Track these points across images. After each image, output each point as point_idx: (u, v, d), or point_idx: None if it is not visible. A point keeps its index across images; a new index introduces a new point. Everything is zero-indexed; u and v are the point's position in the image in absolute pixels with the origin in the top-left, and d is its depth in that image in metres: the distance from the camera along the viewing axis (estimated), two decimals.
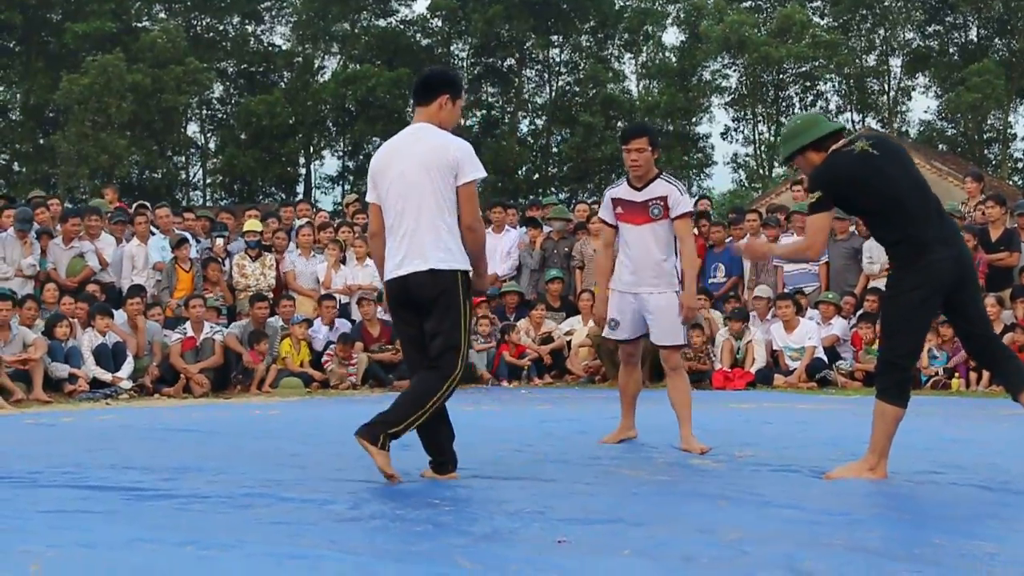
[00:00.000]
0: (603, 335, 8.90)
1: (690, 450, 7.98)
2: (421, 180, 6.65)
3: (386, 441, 6.37)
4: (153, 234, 17.38)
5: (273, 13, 57.82)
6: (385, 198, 6.82)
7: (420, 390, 6.52)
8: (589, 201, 23.48)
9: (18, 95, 53.90)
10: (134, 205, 19.31)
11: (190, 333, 15.08)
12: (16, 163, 53.89)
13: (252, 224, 17.30)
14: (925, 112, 65.72)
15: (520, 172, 52.99)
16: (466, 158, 6.68)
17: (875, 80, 54.68)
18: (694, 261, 8.28)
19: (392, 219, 6.77)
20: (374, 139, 52.76)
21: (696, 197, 29.01)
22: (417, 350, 6.77)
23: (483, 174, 6.80)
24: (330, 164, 58.61)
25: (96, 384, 13.95)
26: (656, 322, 8.18)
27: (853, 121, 53.88)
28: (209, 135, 56.47)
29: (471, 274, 6.65)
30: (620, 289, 8.32)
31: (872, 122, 52.92)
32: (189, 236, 17.08)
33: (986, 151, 52.65)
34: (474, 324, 16.64)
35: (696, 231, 17.83)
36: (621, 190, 8.24)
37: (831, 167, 6.49)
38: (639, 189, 8.09)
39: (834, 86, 54.41)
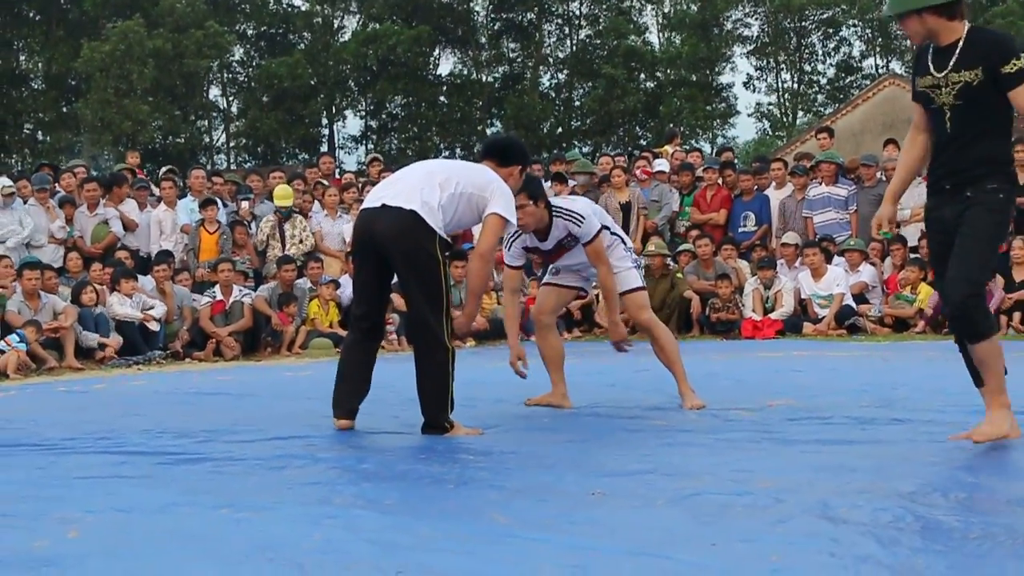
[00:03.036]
0: (545, 281, 8.38)
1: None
2: (447, 173, 6.79)
3: (450, 422, 6.60)
4: (183, 197, 17.46)
5: None
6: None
7: (433, 372, 6.60)
8: (613, 154, 23.39)
9: (40, 64, 53.93)
10: (162, 169, 19.28)
11: (219, 297, 15.11)
12: (40, 132, 53.99)
13: (282, 194, 17.09)
14: None
15: (543, 127, 52.84)
16: (502, 194, 6.73)
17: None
18: (611, 286, 7.79)
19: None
20: (396, 98, 52.67)
21: (719, 148, 28.97)
22: (369, 303, 6.93)
23: (514, 221, 6.83)
24: (353, 124, 58.68)
25: (127, 351, 13.97)
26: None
27: (877, 67, 53.57)
28: (231, 98, 56.47)
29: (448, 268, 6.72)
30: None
31: (896, 67, 52.63)
32: (218, 200, 17.05)
33: None
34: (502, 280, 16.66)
35: (721, 181, 17.93)
36: (527, 238, 7.83)
37: None
38: (544, 239, 7.75)
39: (857, 32, 54.09)
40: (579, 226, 7.58)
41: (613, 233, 7.98)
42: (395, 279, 6.87)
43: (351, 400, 6.86)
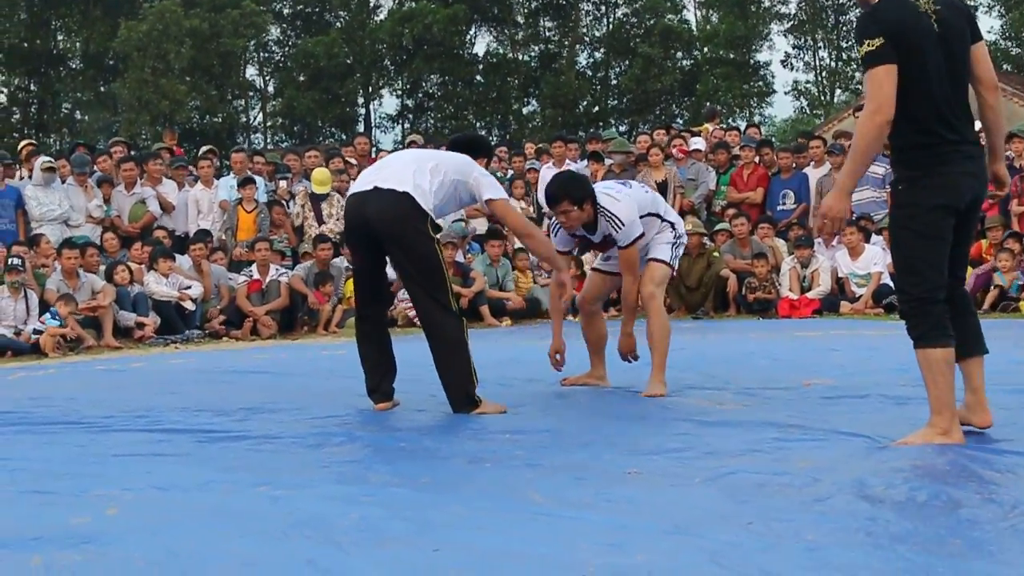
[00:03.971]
0: (594, 267, 8.31)
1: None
2: (436, 160, 6.94)
3: (476, 397, 6.67)
4: (220, 177, 17.53)
5: None
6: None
7: (451, 344, 6.67)
8: (652, 130, 23.36)
9: (77, 44, 54.12)
10: (202, 149, 19.36)
11: (256, 276, 15.16)
12: (78, 112, 54.22)
13: (320, 178, 17.07)
14: (989, 32, 64.78)
15: (580, 106, 52.71)
16: (487, 178, 7.02)
17: None
18: (633, 298, 7.77)
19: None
20: (432, 77, 52.59)
21: (747, 124, 28.89)
22: (368, 286, 7.05)
23: (505, 195, 7.11)
24: (389, 103, 58.60)
25: (164, 330, 14.05)
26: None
27: None
28: (267, 78, 56.54)
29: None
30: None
31: None
32: (257, 178, 17.07)
33: None
34: (539, 260, 16.66)
35: (758, 159, 17.87)
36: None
37: (896, 10, 5.15)
38: (593, 232, 7.67)
39: None
40: (617, 231, 7.52)
41: (664, 220, 7.83)
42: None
43: (383, 383, 6.98)
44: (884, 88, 5.04)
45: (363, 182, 6.86)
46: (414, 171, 6.72)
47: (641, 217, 7.59)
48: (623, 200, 7.57)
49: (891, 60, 5.04)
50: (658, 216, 7.80)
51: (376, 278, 7.06)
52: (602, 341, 8.12)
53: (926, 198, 5.16)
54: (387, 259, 6.90)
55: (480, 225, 17.25)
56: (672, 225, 7.87)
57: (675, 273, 8.23)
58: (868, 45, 5.05)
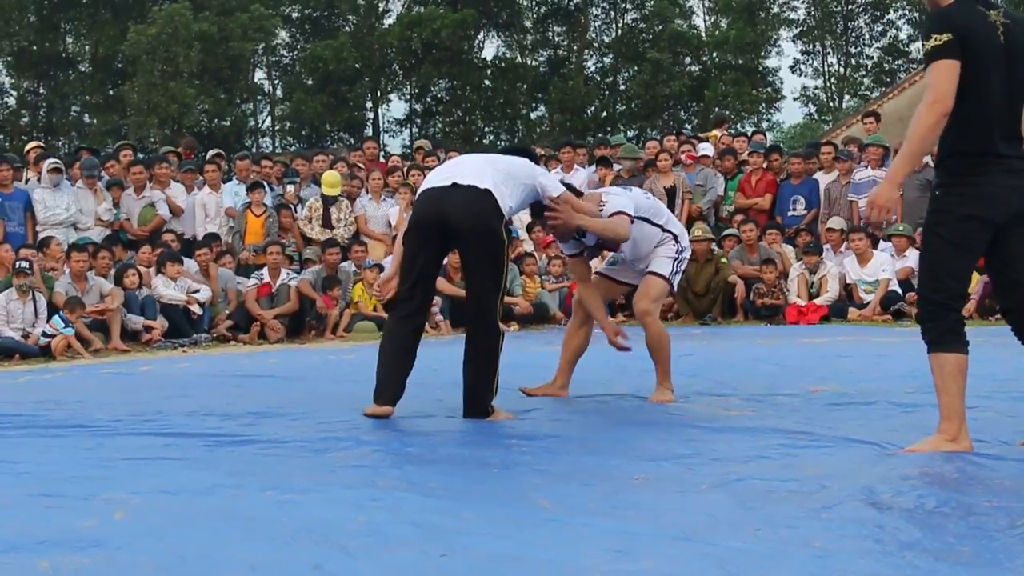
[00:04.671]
0: (599, 271, 8.19)
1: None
2: (507, 164, 6.99)
3: (489, 408, 6.68)
4: (227, 180, 17.52)
5: None
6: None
7: (486, 353, 6.71)
8: (662, 135, 23.35)
9: (87, 47, 54.15)
10: (209, 153, 19.34)
11: (266, 279, 15.15)
12: (87, 115, 54.23)
13: (330, 181, 17.08)
14: None
15: (588, 111, 52.68)
16: (547, 179, 7.19)
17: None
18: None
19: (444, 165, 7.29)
20: (440, 81, 52.58)
21: (753, 131, 28.83)
22: (420, 282, 6.87)
23: (563, 187, 7.19)
24: (397, 107, 58.39)
25: (172, 334, 14.05)
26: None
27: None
28: (276, 82, 56.54)
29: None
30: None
31: None
32: (264, 183, 17.05)
33: None
34: (547, 264, 16.70)
35: (766, 165, 17.85)
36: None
37: (967, 14, 5.18)
38: (585, 235, 7.54)
39: (905, 15, 53.65)
40: (600, 209, 7.48)
41: (666, 231, 7.72)
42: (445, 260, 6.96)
43: (394, 388, 6.82)
44: (945, 82, 5.10)
45: (438, 178, 6.85)
46: (492, 172, 6.77)
47: (635, 219, 7.54)
48: (612, 196, 7.57)
49: (955, 56, 5.10)
50: (658, 226, 7.72)
51: (434, 271, 7.04)
52: (578, 353, 7.98)
53: (958, 206, 5.20)
54: (444, 257, 6.97)
55: None
56: (675, 237, 7.76)
57: (674, 291, 8.13)
58: (935, 40, 5.10)
